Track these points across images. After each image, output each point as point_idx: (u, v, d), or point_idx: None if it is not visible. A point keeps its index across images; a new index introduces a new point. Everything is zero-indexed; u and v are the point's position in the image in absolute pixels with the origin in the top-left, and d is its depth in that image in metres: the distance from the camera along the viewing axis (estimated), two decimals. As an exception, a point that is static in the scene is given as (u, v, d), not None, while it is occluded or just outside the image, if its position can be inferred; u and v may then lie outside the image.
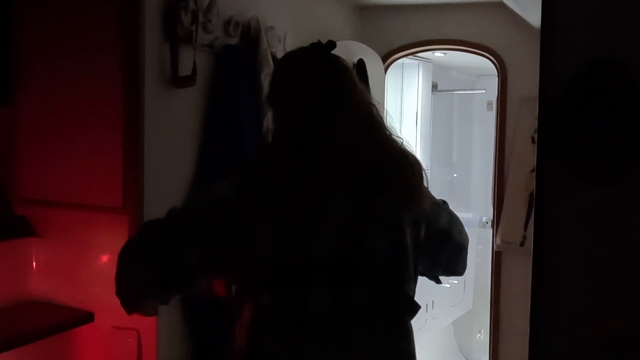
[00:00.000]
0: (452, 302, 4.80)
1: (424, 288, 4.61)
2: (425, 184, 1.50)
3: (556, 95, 1.30)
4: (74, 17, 2.11)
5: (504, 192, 3.42)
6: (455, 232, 1.64)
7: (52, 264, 2.21)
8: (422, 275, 1.62)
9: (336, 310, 1.38)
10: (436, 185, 5.34)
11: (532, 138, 3.20)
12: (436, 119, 4.96)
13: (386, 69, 3.66)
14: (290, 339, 1.38)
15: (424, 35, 3.55)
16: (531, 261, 1.33)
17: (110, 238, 2.11)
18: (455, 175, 5.57)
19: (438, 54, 4.33)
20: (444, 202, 1.64)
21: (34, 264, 2.22)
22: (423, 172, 1.49)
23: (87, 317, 2.12)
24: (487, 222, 5.04)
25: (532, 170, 3.06)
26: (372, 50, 3.40)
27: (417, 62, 4.51)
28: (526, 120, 3.25)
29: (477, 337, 5.19)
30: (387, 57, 3.62)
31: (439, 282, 1.67)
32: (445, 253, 1.64)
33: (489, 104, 5.04)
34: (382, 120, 1.50)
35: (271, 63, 2.42)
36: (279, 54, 2.57)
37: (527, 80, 2.87)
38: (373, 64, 3.33)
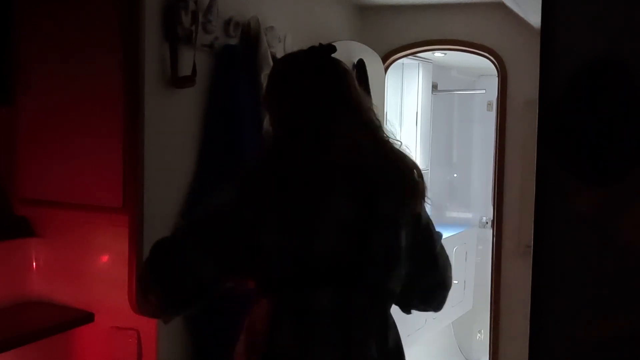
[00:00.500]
0: (452, 302, 4.78)
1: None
2: (424, 187, 1.52)
3: (556, 95, 1.30)
4: (74, 17, 2.11)
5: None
6: (441, 263, 1.64)
7: (52, 264, 2.21)
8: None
9: (337, 308, 1.42)
10: (436, 185, 5.38)
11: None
12: (436, 119, 4.96)
13: (386, 69, 3.66)
14: (299, 338, 1.42)
15: (424, 35, 3.55)
16: (531, 261, 1.33)
17: (110, 238, 2.11)
18: (455, 175, 5.57)
19: (438, 54, 4.33)
20: (439, 233, 1.65)
21: (34, 264, 2.22)
22: (421, 174, 1.52)
23: (87, 317, 2.12)
24: (487, 222, 5.04)
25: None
26: (372, 50, 3.40)
27: (417, 62, 4.51)
28: (533, 123, 3.23)
29: (477, 337, 5.18)
30: (387, 57, 3.62)
31: (408, 312, 1.67)
32: (426, 281, 1.62)
33: (489, 104, 5.04)
34: (380, 123, 1.52)
35: (271, 63, 2.41)
36: (279, 54, 2.57)
37: (527, 81, 2.87)
38: (373, 64, 3.33)
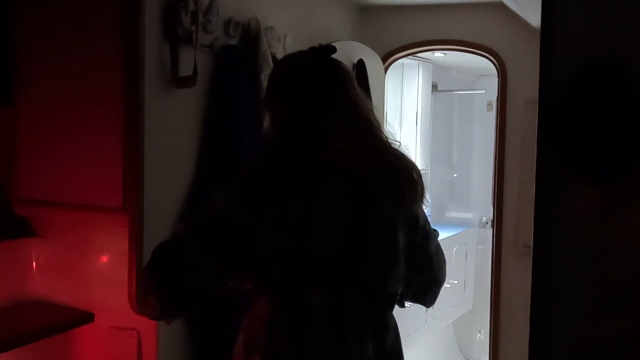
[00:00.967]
0: (452, 302, 4.80)
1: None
2: (423, 187, 1.53)
3: (556, 95, 1.31)
4: (74, 17, 2.11)
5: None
6: (435, 263, 1.66)
7: (52, 264, 2.21)
8: None
9: (333, 308, 1.43)
10: (436, 185, 5.38)
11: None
12: (436, 119, 4.96)
13: (386, 69, 3.66)
14: (296, 337, 1.43)
15: (424, 35, 3.55)
16: (531, 261, 1.33)
17: (110, 238, 2.11)
18: (455, 175, 5.57)
19: (438, 54, 4.33)
20: (436, 231, 1.66)
21: (34, 264, 2.22)
22: (420, 174, 1.52)
23: (87, 317, 2.12)
24: (487, 222, 5.04)
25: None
26: (372, 50, 3.40)
27: (417, 62, 4.51)
28: (533, 123, 3.23)
29: (477, 337, 5.18)
30: (387, 57, 3.62)
31: (402, 306, 1.68)
32: (420, 279, 1.64)
33: (489, 104, 5.04)
34: (380, 124, 1.53)
35: (271, 63, 2.41)
36: (279, 54, 2.57)
37: (527, 81, 2.86)
38: (373, 64, 3.33)
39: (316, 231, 1.41)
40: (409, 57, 3.98)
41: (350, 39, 3.32)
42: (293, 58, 1.61)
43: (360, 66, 3.15)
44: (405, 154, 1.54)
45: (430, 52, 4.11)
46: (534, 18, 2.93)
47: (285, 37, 2.63)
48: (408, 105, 4.60)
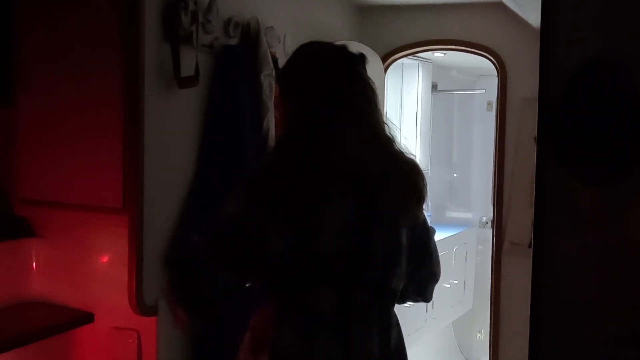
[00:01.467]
0: (452, 302, 4.80)
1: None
2: (426, 194, 1.57)
3: (556, 95, 1.31)
4: (74, 17, 2.11)
5: (508, 194, 3.42)
6: (435, 258, 1.71)
7: (52, 264, 2.21)
8: None
9: (340, 307, 1.47)
10: (436, 185, 5.37)
11: (535, 138, 3.19)
12: (436, 119, 4.96)
13: (386, 69, 3.66)
14: (304, 336, 1.47)
15: (424, 35, 3.55)
16: (531, 261, 1.33)
17: (110, 238, 2.11)
18: (455, 175, 5.57)
19: (438, 54, 4.33)
20: (432, 228, 1.70)
21: (34, 264, 2.22)
22: (425, 183, 1.56)
23: (87, 318, 2.12)
24: (487, 222, 5.04)
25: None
26: (372, 50, 3.40)
27: (417, 62, 4.51)
28: (529, 121, 3.24)
29: (477, 337, 5.18)
30: (387, 57, 3.62)
31: (403, 302, 1.71)
32: (421, 274, 1.68)
33: (489, 104, 5.04)
34: (394, 138, 1.56)
35: (271, 63, 2.42)
36: (279, 54, 2.57)
37: (527, 80, 2.86)
38: (373, 64, 3.31)
39: (324, 232, 1.44)
40: (409, 57, 3.98)
41: (350, 39, 3.32)
42: (325, 55, 1.59)
43: (360, 66, 3.15)
44: (416, 164, 1.57)
45: (430, 52, 4.11)
46: (534, 18, 2.93)
47: (285, 37, 2.63)
48: (408, 105, 4.60)
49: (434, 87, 4.92)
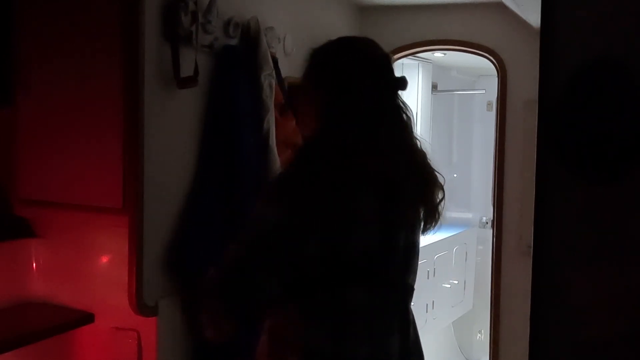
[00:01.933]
0: (452, 302, 4.80)
1: (424, 288, 4.59)
2: (440, 210, 1.65)
3: (556, 95, 1.31)
4: (74, 18, 2.11)
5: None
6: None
7: (52, 264, 2.21)
8: None
9: (370, 305, 1.51)
10: (436, 185, 5.35)
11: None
12: (436, 119, 4.96)
13: (386, 69, 3.65)
14: (336, 336, 1.49)
15: (424, 35, 3.55)
16: (531, 261, 1.33)
17: (110, 238, 2.11)
18: (455, 175, 5.57)
19: (438, 54, 4.33)
20: None
21: (34, 264, 2.22)
22: (444, 194, 1.64)
23: (87, 318, 2.12)
24: (487, 222, 5.04)
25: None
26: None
27: (417, 62, 4.51)
28: (532, 123, 3.23)
29: (477, 337, 5.18)
30: (387, 57, 3.62)
31: None
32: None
33: (489, 104, 5.04)
34: (426, 153, 1.65)
35: (271, 63, 2.42)
36: (279, 54, 2.57)
37: (527, 81, 2.87)
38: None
39: (357, 232, 1.47)
40: (409, 57, 3.98)
41: (350, 39, 3.32)
42: (370, 63, 1.63)
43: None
44: (438, 180, 1.65)
45: (430, 52, 4.11)
46: (534, 18, 2.93)
47: (285, 37, 2.63)
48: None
49: (434, 87, 4.91)
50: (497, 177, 3.47)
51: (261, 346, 1.55)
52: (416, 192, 1.57)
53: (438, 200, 1.60)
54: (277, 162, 2.37)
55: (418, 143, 1.61)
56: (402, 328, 1.56)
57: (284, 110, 2.50)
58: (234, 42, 2.36)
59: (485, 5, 3.37)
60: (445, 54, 4.29)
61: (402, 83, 1.60)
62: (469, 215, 5.38)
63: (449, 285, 4.68)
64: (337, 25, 3.30)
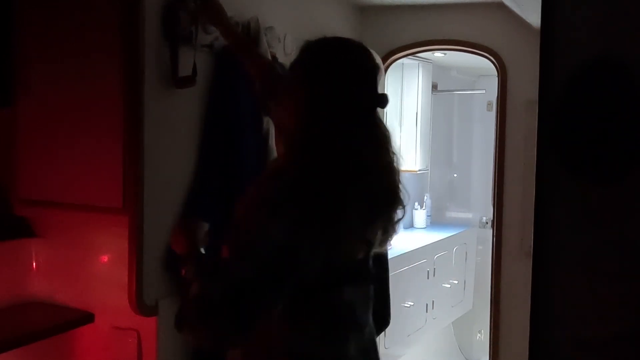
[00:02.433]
0: (452, 302, 4.80)
1: (424, 288, 4.59)
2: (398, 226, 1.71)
3: (556, 96, 1.31)
4: (74, 18, 2.11)
5: (506, 197, 3.42)
6: None
7: (52, 264, 2.21)
8: None
9: (354, 305, 1.59)
10: (436, 185, 5.37)
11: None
12: (436, 119, 4.96)
13: (386, 69, 3.66)
14: (327, 338, 1.54)
15: (424, 35, 3.55)
16: (531, 261, 1.33)
17: (110, 238, 2.11)
18: (455, 175, 5.57)
19: (438, 54, 4.33)
20: None
21: (34, 264, 2.22)
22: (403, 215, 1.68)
23: (87, 318, 2.12)
24: (487, 222, 5.04)
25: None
26: (372, 50, 3.40)
27: (417, 62, 4.51)
28: (533, 123, 3.24)
29: (477, 337, 5.19)
30: (387, 57, 3.62)
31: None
32: None
33: (489, 104, 5.04)
34: (399, 172, 1.65)
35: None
36: (279, 54, 2.57)
37: (527, 81, 2.86)
38: (373, 64, 3.32)
39: (347, 240, 1.52)
40: (409, 57, 3.98)
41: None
42: (359, 70, 1.63)
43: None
44: (404, 194, 1.68)
45: (430, 52, 4.11)
46: (534, 18, 2.93)
47: (285, 37, 2.63)
48: (408, 105, 4.60)
49: (434, 87, 4.92)
50: (497, 177, 3.47)
51: (233, 355, 1.58)
52: (383, 212, 1.62)
53: (396, 220, 1.65)
54: (277, 162, 2.38)
55: (394, 159, 1.62)
56: (372, 323, 1.67)
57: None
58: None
59: (485, 5, 3.37)
60: (445, 54, 4.29)
61: (383, 101, 1.62)
62: (469, 215, 5.38)
63: (448, 285, 4.69)
64: (337, 25, 3.30)
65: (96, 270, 2.15)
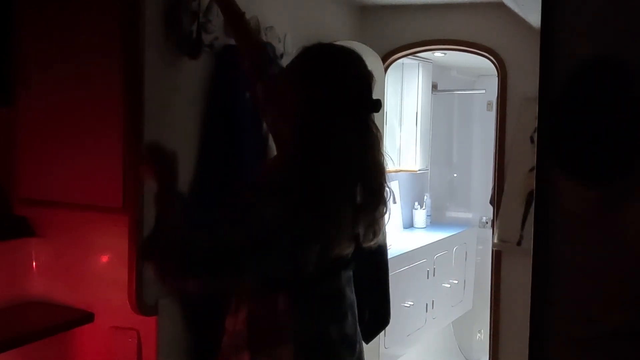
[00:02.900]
0: (452, 302, 4.81)
1: (424, 288, 4.59)
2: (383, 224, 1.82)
3: (556, 95, 1.31)
4: (74, 18, 2.11)
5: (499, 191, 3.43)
6: None
7: (52, 264, 2.21)
8: None
9: (345, 288, 1.74)
10: (436, 185, 5.38)
11: (531, 138, 3.21)
12: (436, 119, 4.96)
13: (386, 69, 3.66)
14: (327, 320, 1.67)
15: (424, 35, 3.56)
16: (531, 261, 1.33)
17: (110, 238, 2.11)
18: (455, 175, 5.57)
19: (438, 54, 4.33)
20: None
21: (34, 264, 2.22)
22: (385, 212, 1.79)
23: (87, 317, 2.12)
24: (487, 222, 5.04)
25: (531, 170, 3.07)
26: (372, 50, 3.40)
27: (417, 62, 4.52)
28: (526, 120, 3.25)
29: (477, 337, 5.19)
30: (387, 57, 3.63)
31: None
32: None
33: (489, 104, 5.05)
34: (385, 173, 1.75)
35: (271, 63, 2.41)
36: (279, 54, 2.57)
37: (527, 80, 2.87)
38: (373, 64, 3.31)
39: (339, 230, 1.65)
40: (409, 57, 3.98)
41: (350, 39, 3.32)
42: (359, 79, 1.69)
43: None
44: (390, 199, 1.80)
45: (430, 52, 4.11)
46: (534, 18, 2.93)
47: (285, 37, 2.63)
48: (408, 105, 4.60)
49: (434, 87, 4.92)
50: (497, 177, 3.47)
51: (228, 341, 1.69)
52: (369, 211, 1.72)
53: (381, 216, 1.75)
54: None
55: (382, 160, 1.73)
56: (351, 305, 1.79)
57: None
58: (234, 42, 2.35)
59: (485, 5, 3.37)
60: (445, 54, 4.29)
61: (377, 106, 1.69)
62: (469, 215, 5.38)
63: (448, 285, 4.69)
64: (337, 25, 3.30)
65: (96, 269, 2.15)
